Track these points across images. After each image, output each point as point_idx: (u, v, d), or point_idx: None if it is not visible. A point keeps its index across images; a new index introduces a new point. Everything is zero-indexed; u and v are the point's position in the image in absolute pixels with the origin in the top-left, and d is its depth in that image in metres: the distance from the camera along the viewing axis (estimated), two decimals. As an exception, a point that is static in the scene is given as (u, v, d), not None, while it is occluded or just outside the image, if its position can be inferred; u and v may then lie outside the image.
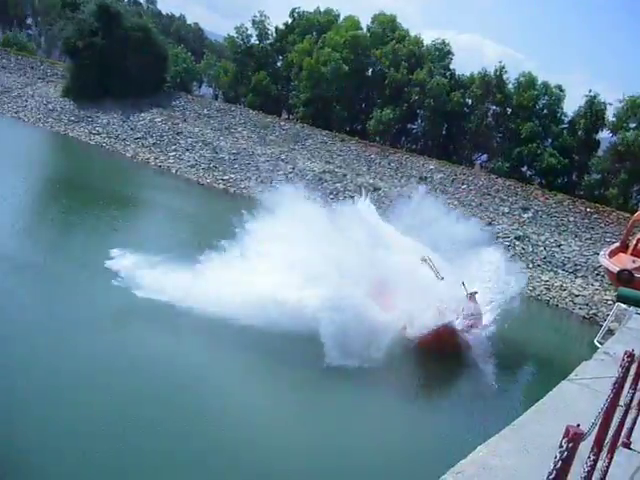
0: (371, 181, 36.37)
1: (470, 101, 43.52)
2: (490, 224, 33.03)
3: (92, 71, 45.93)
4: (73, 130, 43.90)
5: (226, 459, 10.75)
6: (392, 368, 16.10)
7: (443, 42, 47.09)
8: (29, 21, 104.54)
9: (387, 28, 47.75)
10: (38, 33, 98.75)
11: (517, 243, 32.37)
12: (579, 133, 40.75)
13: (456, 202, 34.59)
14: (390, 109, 43.33)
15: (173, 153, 40.83)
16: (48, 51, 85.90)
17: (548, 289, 29.45)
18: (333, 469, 11.34)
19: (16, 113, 46.59)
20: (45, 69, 52.26)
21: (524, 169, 41.48)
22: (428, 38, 48.30)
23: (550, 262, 31.10)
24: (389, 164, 37.79)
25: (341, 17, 50.53)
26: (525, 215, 34.13)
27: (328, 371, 14.52)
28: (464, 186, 35.89)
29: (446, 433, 14.07)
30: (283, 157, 39.22)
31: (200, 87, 68.09)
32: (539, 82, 42.17)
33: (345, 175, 37.04)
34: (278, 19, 62.04)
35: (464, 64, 51.34)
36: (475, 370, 17.22)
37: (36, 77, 51.27)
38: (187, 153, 40.70)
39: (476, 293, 19.24)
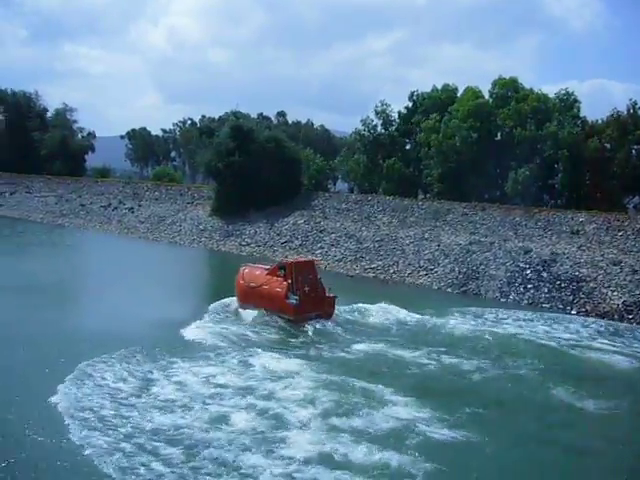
0: (520, 244, 35.31)
1: (609, 145, 41.79)
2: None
3: (234, 188, 49.02)
4: (225, 245, 46.46)
5: None
6: None
7: (567, 92, 46.02)
8: (173, 154, 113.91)
9: (509, 90, 47.53)
10: (182, 163, 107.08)
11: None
12: None
13: (616, 251, 32.76)
14: (525, 168, 42.46)
15: (319, 250, 41.95)
16: (192, 177, 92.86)
17: None
18: None
19: (172, 238, 50.12)
20: (192, 194, 56.19)
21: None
22: (551, 92, 47.50)
23: None
24: (536, 224, 36.63)
25: (460, 90, 50.97)
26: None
27: None
28: (621, 233, 33.97)
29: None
30: (427, 236, 39.14)
31: (335, 184, 70.41)
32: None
33: (492, 243, 36.26)
34: (397, 106, 63.66)
35: (594, 109, 49.83)
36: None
37: (185, 202, 55.19)
38: (333, 248, 41.68)
39: None
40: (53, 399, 15.61)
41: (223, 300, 27.20)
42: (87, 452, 13.02)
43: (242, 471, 12.66)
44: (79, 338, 20.93)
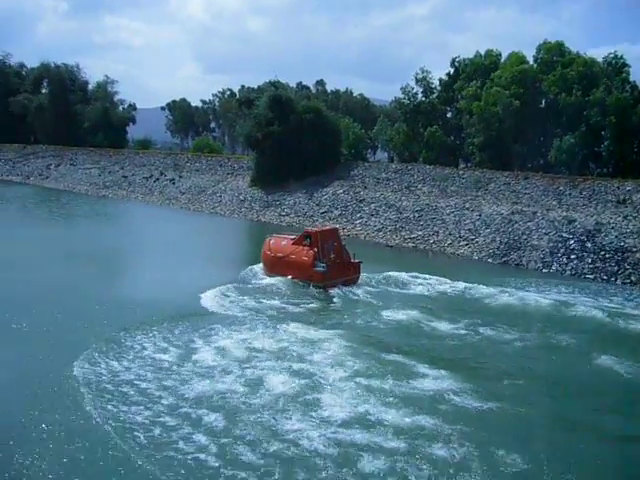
0: (564, 214, 34.59)
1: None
2: None
3: (273, 158, 49.03)
4: (264, 215, 46.60)
5: None
6: None
7: (616, 56, 44.58)
8: (212, 125, 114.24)
9: (554, 54, 46.28)
10: (222, 133, 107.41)
11: None
12: None
13: (664, 220, 31.90)
14: (570, 136, 41.41)
15: (359, 220, 41.79)
16: (232, 148, 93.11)
17: None
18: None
19: (213, 209, 50.46)
20: (232, 164, 56.38)
21: None
22: (599, 56, 46.05)
23: None
24: (580, 193, 35.79)
25: (503, 56, 49.82)
26: None
27: None
28: (670, 202, 33.04)
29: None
30: (467, 206, 38.62)
31: (374, 153, 69.87)
32: None
33: (535, 213, 35.58)
34: (438, 73, 62.69)
35: (647, 75, 48.06)
36: None
37: (226, 173, 55.42)
38: (372, 218, 41.46)
39: None
40: (85, 371, 15.78)
41: (252, 267, 28.01)
42: (127, 425, 13.14)
43: (283, 437, 12.81)
44: (121, 305, 21.34)
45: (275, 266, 26.66)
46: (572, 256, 31.96)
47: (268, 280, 26.11)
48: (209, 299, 22.74)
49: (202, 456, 12.02)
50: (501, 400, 14.87)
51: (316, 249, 25.52)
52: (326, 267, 25.18)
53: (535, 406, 15.00)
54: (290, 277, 25.81)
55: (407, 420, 13.49)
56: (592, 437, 13.76)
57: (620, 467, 12.75)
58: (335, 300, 24.06)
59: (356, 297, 24.44)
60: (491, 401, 14.70)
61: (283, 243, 27.12)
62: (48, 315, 20.14)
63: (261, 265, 27.78)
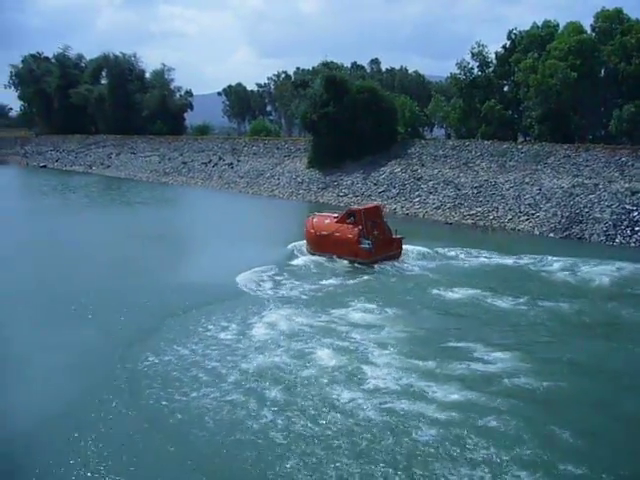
0: (627, 185, 33.97)
1: None
2: None
3: (330, 139, 49.36)
4: (323, 196, 47.09)
5: None
6: None
7: (679, 20, 43.15)
8: (268, 108, 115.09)
9: (613, 22, 45.09)
10: (278, 116, 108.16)
11: None
12: None
13: None
14: (632, 105, 40.43)
15: (417, 199, 41.87)
16: (288, 130, 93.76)
17: None
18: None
19: (271, 192, 51.23)
20: (289, 147, 56.98)
21: None
22: (662, 20, 44.47)
23: None
24: (644, 163, 35.08)
25: (561, 26, 48.76)
26: None
27: None
28: None
29: None
30: (527, 180, 38.25)
31: (432, 130, 69.46)
32: None
33: (597, 185, 35.05)
34: (494, 47, 61.62)
35: None
36: None
37: (283, 156, 56.08)
38: (431, 196, 41.48)
39: None
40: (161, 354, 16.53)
41: (294, 243, 28.94)
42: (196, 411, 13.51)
43: (341, 408, 13.35)
44: (181, 288, 22.07)
45: (319, 244, 27.34)
46: (637, 228, 31.46)
47: (312, 258, 26.96)
48: (252, 278, 23.47)
49: (271, 434, 12.42)
50: (558, 378, 14.85)
51: (360, 226, 26.20)
52: (371, 244, 25.89)
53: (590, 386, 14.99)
54: (335, 255, 26.54)
55: (454, 396, 13.73)
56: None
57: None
58: (375, 270, 24.92)
59: (410, 272, 24.90)
60: (547, 380, 14.67)
61: (327, 221, 27.80)
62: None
63: (304, 243, 28.53)
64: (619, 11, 45.70)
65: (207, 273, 24.19)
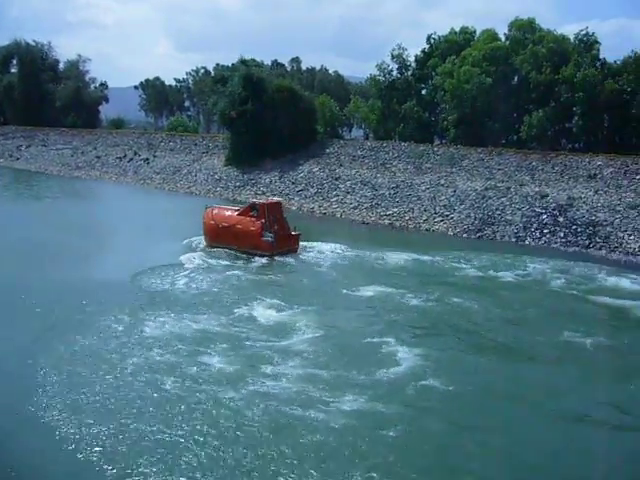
0: (537, 189, 35.09)
1: (628, 88, 40.71)
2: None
3: (248, 137, 48.90)
4: (240, 194, 46.48)
5: None
6: None
7: (587, 33, 44.87)
8: (187, 104, 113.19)
9: (526, 32, 46.54)
10: (196, 112, 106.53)
11: None
12: None
13: (633, 194, 32.48)
14: (541, 111, 41.83)
15: (335, 198, 41.96)
16: (207, 127, 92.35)
17: None
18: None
19: (188, 188, 50.29)
20: (207, 143, 56.11)
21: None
22: (570, 33, 46.30)
23: None
24: (552, 168, 36.29)
25: (477, 33, 49.97)
26: None
27: None
28: (639, 176, 33.59)
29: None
30: (442, 182, 38.95)
31: (350, 131, 69.86)
32: None
33: (509, 188, 36.04)
34: (414, 51, 62.53)
35: (617, 51, 48.49)
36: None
37: (200, 152, 55.17)
38: (348, 196, 41.64)
39: None
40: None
41: (190, 239, 28.83)
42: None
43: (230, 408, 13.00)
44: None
45: (219, 236, 27.60)
46: (545, 230, 32.53)
47: (211, 251, 26.99)
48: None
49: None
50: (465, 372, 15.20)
51: (263, 220, 26.74)
52: (274, 237, 26.55)
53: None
54: (235, 247, 26.88)
55: (357, 405, 13.32)
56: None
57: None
58: (298, 273, 24.84)
59: (321, 270, 25.03)
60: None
61: (227, 213, 28.24)
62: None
63: (201, 237, 28.60)
64: (531, 21, 47.28)
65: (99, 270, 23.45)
